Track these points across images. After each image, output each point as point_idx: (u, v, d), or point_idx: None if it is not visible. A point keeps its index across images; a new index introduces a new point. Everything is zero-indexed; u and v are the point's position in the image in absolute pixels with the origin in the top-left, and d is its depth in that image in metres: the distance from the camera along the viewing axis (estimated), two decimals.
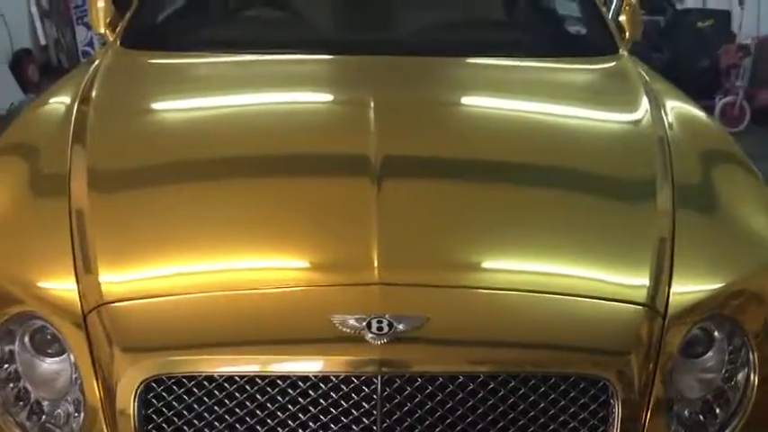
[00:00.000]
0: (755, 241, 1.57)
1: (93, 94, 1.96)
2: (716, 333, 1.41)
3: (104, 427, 1.27)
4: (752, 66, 5.81)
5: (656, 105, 1.96)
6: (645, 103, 1.96)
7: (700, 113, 2.11)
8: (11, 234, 1.52)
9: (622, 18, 2.68)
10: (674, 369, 1.36)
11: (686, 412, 1.37)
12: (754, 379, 1.40)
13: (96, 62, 2.25)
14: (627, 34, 2.64)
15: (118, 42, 2.38)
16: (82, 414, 1.30)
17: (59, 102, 2.00)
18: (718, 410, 1.39)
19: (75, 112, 1.86)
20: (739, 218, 1.65)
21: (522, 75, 2.31)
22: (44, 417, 1.35)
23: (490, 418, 1.23)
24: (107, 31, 2.53)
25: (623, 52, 2.43)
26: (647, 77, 2.22)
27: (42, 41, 6.59)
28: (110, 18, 2.55)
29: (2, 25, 5.86)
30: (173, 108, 2.07)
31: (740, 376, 1.40)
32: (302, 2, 2.73)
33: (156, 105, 2.08)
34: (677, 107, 2.04)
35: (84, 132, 1.74)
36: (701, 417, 1.38)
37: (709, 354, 1.41)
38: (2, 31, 5.87)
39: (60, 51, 6.63)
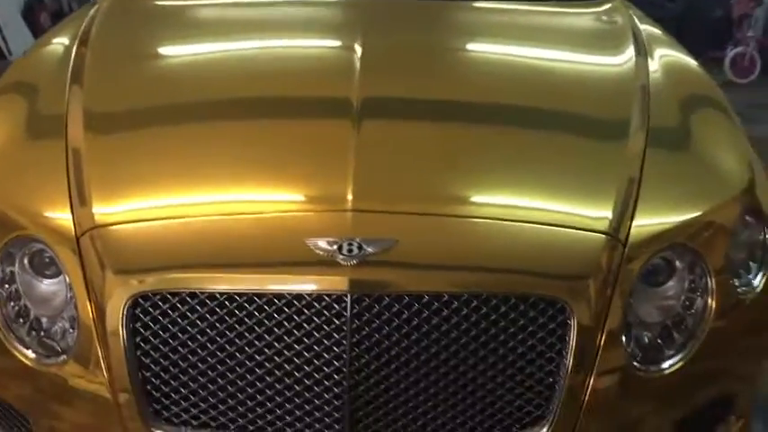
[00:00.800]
0: (721, 178, 1.63)
1: (92, 35, 2.03)
2: (677, 263, 1.47)
3: (96, 341, 1.37)
4: (765, 15, 5.74)
5: (643, 52, 1.99)
6: (631, 49, 1.99)
7: (686, 60, 2.13)
8: (11, 167, 1.61)
9: None
10: (635, 296, 1.43)
11: (645, 336, 1.45)
12: (712, 306, 1.47)
13: (97, 4, 2.31)
14: None
15: None
16: (76, 330, 1.40)
17: (59, 42, 2.06)
18: (676, 335, 1.47)
19: (74, 52, 1.93)
20: (709, 157, 1.70)
21: (512, 18, 2.35)
22: (42, 332, 1.46)
23: (453, 335, 1.31)
24: None
25: None
26: (638, 24, 2.24)
27: None
28: None
29: None
30: (166, 49, 2.13)
31: (699, 303, 1.47)
32: None
33: (150, 47, 2.13)
34: (664, 54, 2.06)
35: (82, 73, 1.81)
36: (658, 340, 1.46)
37: (670, 283, 1.48)
38: None
39: None
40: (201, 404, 1.34)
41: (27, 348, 1.45)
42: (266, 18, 2.30)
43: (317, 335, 1.30)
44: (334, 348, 1.29)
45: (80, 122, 1.62)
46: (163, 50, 2.11)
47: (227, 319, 1.31)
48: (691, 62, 2.13)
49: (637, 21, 2.25)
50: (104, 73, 1.87)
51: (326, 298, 1.29)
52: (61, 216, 1.45)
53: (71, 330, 1.42)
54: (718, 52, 5.63)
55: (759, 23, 5.55)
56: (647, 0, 6.38)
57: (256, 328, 1.31)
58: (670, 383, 1.44)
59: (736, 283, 1.53)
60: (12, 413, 1.57)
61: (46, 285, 1.46)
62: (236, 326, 1.31)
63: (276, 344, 1.31)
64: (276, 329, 1.30)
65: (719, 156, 1.71)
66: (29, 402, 1.50)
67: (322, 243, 1.31)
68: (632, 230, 1.44)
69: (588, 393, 1.36)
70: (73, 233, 1.41)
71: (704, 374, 1.49)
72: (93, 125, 1.62)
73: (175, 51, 2.11)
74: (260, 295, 1.30)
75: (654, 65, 1.95)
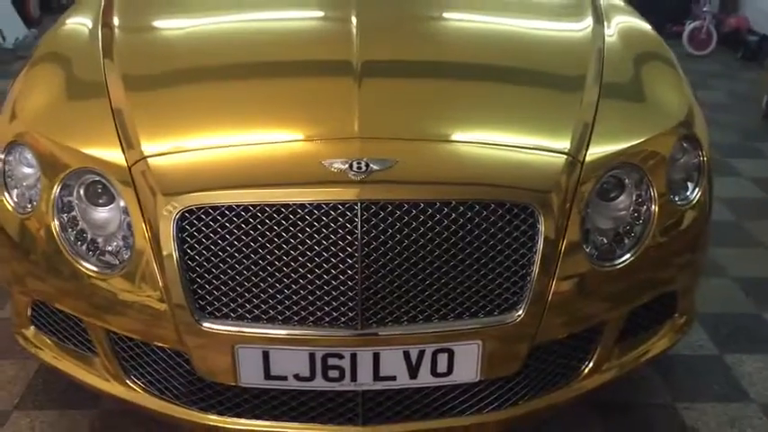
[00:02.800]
0: (662, 113, 1.95)
1: (115, 9, 2.29)
2: (626, 180, 1.79)
3: (151, 253, 1.64)
4: None
5: (601, 19, 2.31)
6: (590, 17, 2.31)
7: (639, 24, 2.44)
8: (61, 119, 1.89)
9: None
10: (592, 207, 1.74)
11: (601, 239, 1.76)
12: (655, 215, 1.79)
13: None
14: None
15: None
16: (131, 246, 1.67)
17: (81, 22, 2.32)
18: (626, 240, 1.79)
19: (100, 28, 2.19)
20: (653, 98, 2.02)
21: None
22: (99, 251, 1.74)
23: (444, 236, 1.60)
24: None
25: None
26: None
27: None
28: None
29: None
30: (186, 19, 2.39)
31: (644, 213, 1.79)
32: None
33: (170, 17, 2.41)
34: (620, 20, 2.37)
35: (111, 48, 2.08)
36: (612, 244, 1.78)
37: (621, 197, 1.80)
38: None
39: None
40: (239, 299, 1.62)
41: (88, 263, 1.72)
42: None
43: (333, 237, 1.58)
44: (348, 248, 1.58)
45: (120, 86, 1.89)
46: (180, 22, 2.38)
47: (259, 227, 1.59)
48: (643, 25, 2.44)
49: None
50: (133, 46, 2.14)
51: (340, 207, 1.58)
52: (113, 152, 1.72)
53: (125, 248, 1.70)
54: (678, 27, 5.98)
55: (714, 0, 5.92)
56: None
57: (283, 234, 1.59)
58: (621, 276, 1.76)
59: (676, 198, 1.86)
60: (71, 322, 1.85)
61: (99, 212, 1.74)
62: (267, 233, 1.59)
63: (300, 246, 1.59)
64: (299, 234, 1.59)
65: (662, 97, 2.03)
66: (86, 312, 1.77)
67: (336, 163, 1.60)
68: (588, 153, 1.75)
69: (554, 280, 1.67)
70: (125, 164, 1.69)
71: (649, 268, 1.80)
72: (131, 86, 1.89)
73: (190, 22, 2.38)
74: (285, 206, 1.58)
75: (610, 30, 2.26)
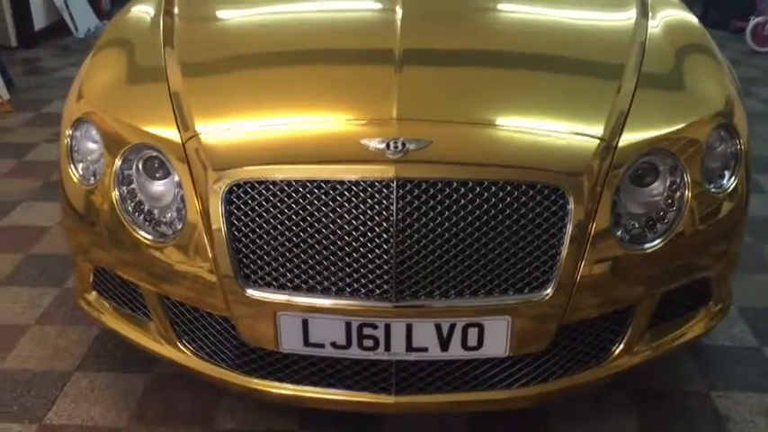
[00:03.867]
0: (700, 102, 1.97)
1: (175, 2, 2.43)
2: (660, 167, 1.83)
3: (201, 223, 1.76)
4: None
5: (644, 9, 2.33)
6: (633, 6, 2.34)
7: (684, 17, 2.44)
8: (123, 98, 2.03)
9: None
10: (624, 192, 1.78)
11: (632, 224, 1.80)
12: (688, 197, 1.82)
13: None
14: None
15: None
16: (184, 217, 1.79)
17: (147, 8, 2.47)
18: (658, 225, 1.82)
19: (162, 17, 2.33)
20: (692, 88, 2.04)
21: None
22: (155, 221, 1.87)
23: (476, 214, 1.67)
24: None
25: None
26: None
27: None
28: None
29: None
30: (239, 10, 2.52)
31: (678, 200, 1.82)
32: None
33: (225, 8, 2.53)
34: (665, 12, 2.39)
35: (171, 36, 2.21)
36: (644, 229, 1.81)
37: (655, 183, 1.83)
38: None
39: None
40: (281, 269, 1.72)
41: (145, 232, 1.86)
42: None
43: (370, 213, 1.67)
44: (384, 223, 1.66)
45: (178, 71, 2.01)
46: (233, 13, 2.50)
47: (301, 201, 1.69)
48: (688, 18, 2.45)
49: None
50: (190, 35, 2.27)
51: (377, 184, 1.66)
52: (170, 130, 1.85)
53: (178, 219, 1.83)
54: (743, 22, 5.86)
55: None
56: None
57: (323, 208, 1.69)
58: (651, 260, 1.80)
59: (711, 186, 1.88)
60: (129, 288, 1.99)
61: (156, 186, 1.87)
62: (308, 207, 1.69)
63: (338, 220, 1.68)
64: (338, 209, 1.68)
65: (700, 87, 2.05)
66: (143, 278, 1.91)
67: (374, 143, 1.69)
68: (622, 139, 1.79)
69: (583, 262, 1.72)
70: (180, 140, 1.82)
71: (682, 254, 1.83)
72: (188, 72, 2.01)
73: (243, 13, 2.50)
74: (326, 182, 1.68)
75: (654, 22, 2.28)
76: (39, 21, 5.86)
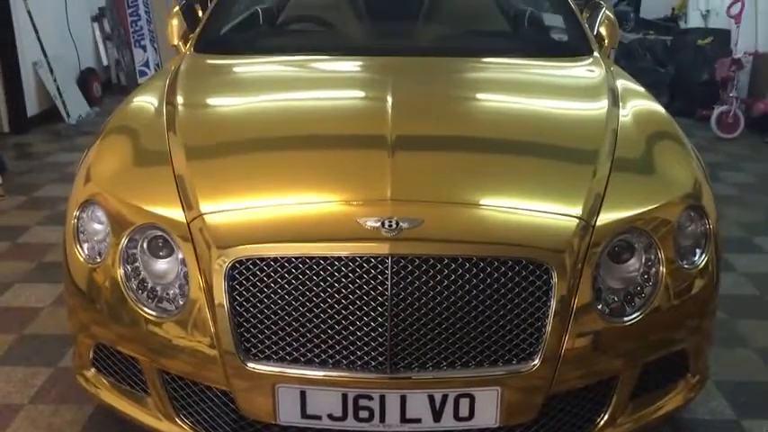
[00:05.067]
0: (670, 185, 2.12)
1: (177, 89, 2.58)
2: (636, 245, 1.95)
3: (204, 299, 1.84)
4: (750, 79, 6.30)
5: (615, 98, 2.52)
6: (605, 96, 2.53)
7: (652, 106, 2.63)
8: (129, 182, 2.13)
9: (602, 29, 3.26)
10: (603, 268, 1.90)
11: (612, 298, 1.92)
12: (663, 273, 1.94)
13: (173, 67, 2.89)
14: (606, 42, 3.22)
15: (192, 49, 3.03)
16: (187, 293, 1.87)
17: (148, 100, 2.61)
18: (636, 300, 1.94)
19: (164, 106, 2.47)
20: (662, 171, 2.19)
21: (513, 72, 2.91)
22: (157, 298, 1.94)
23: (466, 288, 1.77)
24: (180, 43, 3.20)
25: (596, 55, 3.00)
26: (613, 76, 2.78)
27: (104, 62, 7.28)
28: (182, 33, 3.22)
29: (72, 48, 6.57)
30: (238, 98, 2.68)
31: (653, 273, 1.94)
32: (337, 17, 3.38)
33: (224, 96, 2.70)
34: (634, 102, 2.58)
35: (174, 122, 2.33)
36: (623, 303, 1.92)
37: (632, 260, 1.96)
38: (71, 52, 6.58)
39: (120, 71, 7.32)
40: (280, 342, 1.80)
41: (148, 308, 1.93)
42: (316, 73, 2.87)
43: (366, 288, 1.77)
44: (379, 298, 1.76)
45: (181, 154, 2.13)
46: (232, 100, 2.66)
47: (300, 277, 1.78)
48: (656, 107, 2.63)
49: (612, 75, 2.78)
50: (192, 121, 2.41)
51: (373, 260, 1.77)
52: (175, 210, 1.95)
53: (181, 295, 1.91)
54: (707, 111, 6.17)
55: (741, 85, 6.10)
56: (641, 67, 7.02)
57: (321, 284, 1.78)
58: (631, 333, 1.90)
59: (684, 263, 2.00)
60: (128, 364, 2.04)
61: (160, 264, 1.96)
62: (307, 283, 1.78)
63: (336, 295, 1.78)
64: (336, 285, 1.78)
65: (670, 171, 2.20)
66: (144, 353, 1.97)
67: (369, 221, 1.81)
68: (599, 218, 1.92)
69: (567, 334, 1.82)
70: (184, 220, 1.92)
71: (659, 327, 1.94)
72: (191, 155, 2.13)
73: (242, 100, 2.66)
74: (324, 259, 1.78)
75: (625, 111, 2.46)
76: (32, 107, 6.03)
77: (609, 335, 1.88)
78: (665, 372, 2.07)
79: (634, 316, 1.91)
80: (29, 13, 5.82)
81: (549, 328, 1.80)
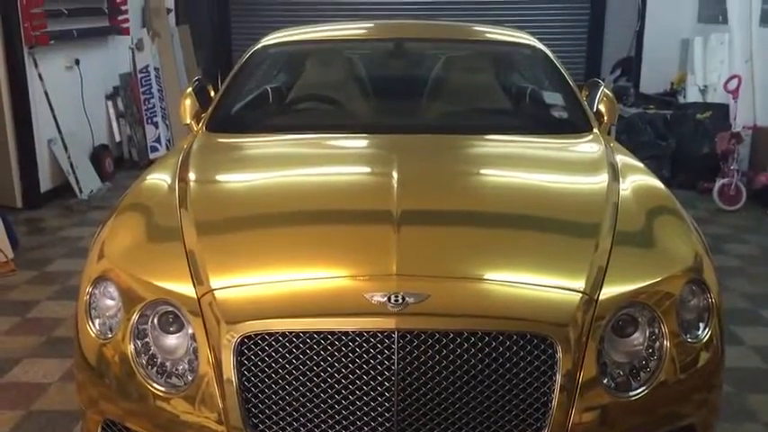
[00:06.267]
0: (671, 259, 2.15)
1: (190, 167, 2.66)
2: (639, 319, 1.98)
3: (213, 373, 1.87)
4: (750, 152, 6.40)
5: (615, 173, 2.59)
6: (605, 171, 2.59)
7: (650, 180, 2.69)
8: (142, 258, 2.17)
9: (601, 106, 3.36)
10: (608, 342, 1.92)
11: (618, 372, 1.93)
12: (668, 347, 1.96)
13: (186, 145, 2.98)
14: (605, 118, 3.32)
15: (204, 128, 3.14)
16: (196, 368, 1.90)
17: (161, 177, 2.69)
18: (641, 373, 1.95)
19: (177, 183, 2.54)
20: (663, 246, 2.23)
21: (515, 148, 2.99)
22: (167, 373, 1.97)
23: (471, 363, 1.80)
24: (192, 122, 3.31)
25: (596, 131, 3.09)
26: (612, 151, 2.85)
27: (117, 138, 7.46)
28: (194, 112, 3.33)
29: (86, 125, 6.74)
30: (248, 175, 2.76)
31: (657, 347, 1.96)
32: (344, 96, 3.50)
33: (235, 174, 2.78)
34: (633, 177, 2.64)
35: (186, 199, 2.40)
36: (628, 377, 1.94)
37: (636, 334, 1.98)
38: (86, 129, 6.74)
39: (132, 146, 7.49)
40: (288, 418, 1.82)
41: (157, 384, 1.95)
42: (323, 150, 2.96)
43: (373, 362, 1.79)
44: (386, 372, 1.78)
45: (192, 231, 2.18)
46: (242, 177, 2.74)
47: (309, 352, 1.81)
48: (655, 182, 2.69)
49: (612, 151, 2.85)
50: (204, 198, 2.48)
51: (380, 335, 1.80)
52: (186, 286, 1.99)
53: (190, 371, 1.93)
54: (709, 184, 6.25)
55: (742, 158, 6.19)
56: (642, 141, 7.13)
57: (329, 358, 1.81)
58: (637, 408, 1.91)
59: (688, 337, 2.02)
60: None
61: (170, 339, 1.99)
62: (314, 357, 1.81)
63: (343, 369, 1.80)
64: (343, 359, 1.80)
65: (671, 245, 2.24)
66: (152, 430, 1.97)
67: (376, 296, 1.84)
68: (602, 293, 1.95)
69: (573, 409, 1.83)
70: (195, 296, 1.96)
71: (664, 401, 1.94)
72: (202, 232, 2.18)
73: (252, 177, 2.73)
74: (331, 333, 1.81)
75: (624, 185, 2.52)
76: (45, 183, 6.14)
77: (615, 409, 1.89)
78: None
79: (640, 390, 1.92)
80: (45, 92, 6.00)
81: (555, 402, 1.81)
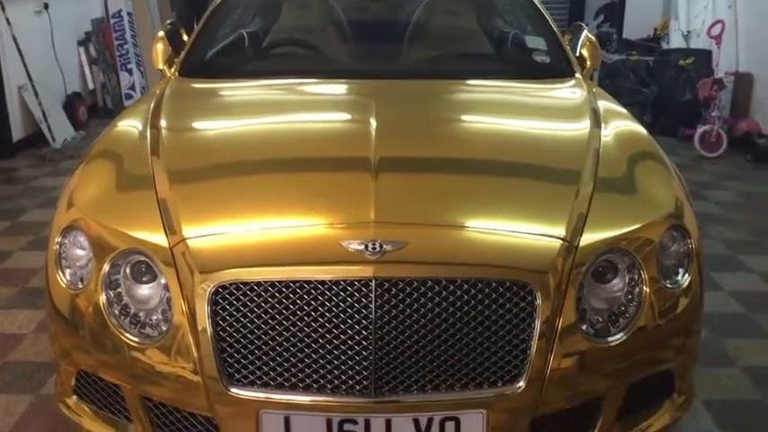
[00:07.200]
0: (652, 205, 2.13)
1: (162, 113, 2.58)
2: (619, 265, 1.96)
3: (187, 324, 1.83)
4: (732, 99, 6.37)
5: (597, 119, 2.54)
6: (587, 117, 2.55)
7: (633, 126, 2.65)
8: (113, 207, 2.11)
9: (584, 51, 3.29)
10: (587, 289, 1.90)
11: (597, 318, 1.92)
12: (647, 293, 1.94)
13: (158, 91, 2.89)
14: (588, 63, 3.26)
15: (177, 73, 3.04)
16: (170, 319, 1.86)
17: (132, 124, 2.61)
18: (620, 320, 1.94)
19: (149, 129, 2.47)
20: (644, 192, 2.20)
21: (496, 94, 2.93)
22: (140, 323, 1.92)
23: (450, 311, 1.77)
24: (165, 67, 3.21)
25: (579, 76, 3.03)
26: (595, 97, 2.80)
27: (90, 86, 7.28)
28: (167, 57, 3.22)
29: (57, 72, 6.56)
30: (222, 121, 2.68)
31: (636, 293, 1.95)
32: (321, 40, 3.40)
33: (209, 120, 2.70)
34: (615, 122, 2.60)
35: (158, 146, 2.33)
36: (607, 323, 1.92)
37: (615, 280, 1.96)
38: (57, 76, 6.57)
39: (106, 94, 7.31)
40: (264, 368, 1.79)
41: (130, 334, 1.91)
42: (300, 96, 2.88)
43: (350, 311, 1.76)
44: (363, 321, 1.75)
45: (165, 179, 2.12)
46: (216, 124, 2.66)
47: (284, 301, 1.77)
48: (637, 128, 2.65)
49: (594, 96, 2.80)
50: (176, 145, 2.41)
51: (357, 283, 1.76)
52: (158, 235, 1.94)
53: (164, 321, 1.89)
54: (691, 130, 6.23)
55: (724, 104, 6.17)
56: (627, 87, 7.07)
57: (305, 308, 1.77)
58: (616, 353, 1.90)
59: (667, 283, 2.01)
60: (110, 391, 2.02)
61: (143, 289, 1.94)
62: (290, 307, 1.77)
63: (320, 319, 1.77)
64: (320, 308, 1.77)
65: (652, 191, 2.21)
66: (126, 380, 1.94)
67: (353, 244, 1.80)
68: (582, 239, 1.93)
69: (552, 355, 1.82)
70: (167, 245, 1.91)
71: (643, 347, 1.94)
72: (174, 180, 2.12)
73: (227, 124, 2.66)
74: (307, 282, 1.77)
75: (606, 131, 2.48)
76: (17, 131, 6.00)
77: (594, 355, 1.88)
78: (651, 392, 2.07)
79: (618, 336, 1.91)
80: (13, 37, 5.81)
81: (533, 349, 1.80)
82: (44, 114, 6.03)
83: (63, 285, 2.04)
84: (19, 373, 2.83)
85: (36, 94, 6.02)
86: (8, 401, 2.64)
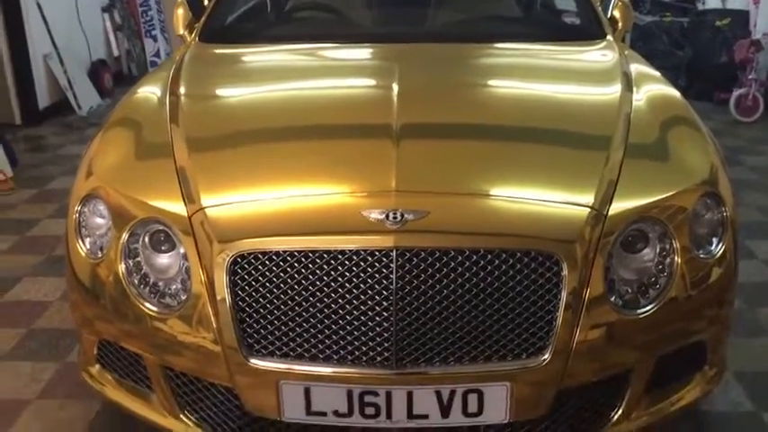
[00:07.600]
0: (685, 172, 2.05)
1: (181, 79, 2.54)
2: (650, 234, 1.89)
3: (206, 294, 1.80)
4: (766, 59, 6.15)
5: (628, 82, 2.45)
6: (618, 80, 2.45)
7: (666, 90, 2.56)
8: (131, 175, 2.09)
9: (616, 12, 3.18)
10: (616, 259, 1.84)
11: (626, 289, 1.85)
12: (678, 263, 1.87)
13: (178, 56, 2.85)
14: (620, 25, 3.14)
15: (197, 39, 2.99)
16: (189, 288, 1.84)
17: (152, 90, 2.57)
18: (650, 291, 1.87)
19: (168, 96, 2.43)
20: (677, 158, 2.12)
21: (524, 57, 2.84)
22: (160, 293, 1.91)
23: (473, 282, 1.72)
24: (185, 32, 3.16)
25: (610, 38, 2.92)
26: (626, 59, 2.70)
27: (115, 53, 7.26)
28: (187, 22, 3.17)
29: (82, 39, 6.55)
30: (242, 88, 2.63)
31: (668, 263, 1.88)
32: (344, 4, 3.32)
33: (229, 87, 2.65)
34: (648, 86, 2.50)
35: (177, 113, 2.29)
36: (637, 294, 1.86)
37: (646, 250, 1.89)
38: (82, 44, 6.56)
39: (131, 61, 7.30)
40: (283, 338, 1.76)
41: (150, 303, 1.90)
42: (322, 62, 2.82)
43: (370, 282, 1.72)
44: (384, 292, 1.71)
45: (184, 147, 2.09)
46: (236, 90, 2.61)
47: (303, 272, 1.74)
48: (670, 91, 2.56)
49: (626, 59, 2.70)
50: (196, 113, 2.36)
51: (377, 253, 1.72)
52: (176, 204, 1.91)
53: (183, 290, 1.87)
54: (726, 94, 6.05)
55: (761, 67, 5.96)
56: (660, 50, 6.87)
57: (325, 278, 1.73)
58: (645, 325, 1.84)
59: (700, 253, 1.94)
60: (132, 360, 2.01)
61: (162, 258, 1.92)
62: (310, 277, 1.74)
63: (340, 290, 1.73)
64: (340, 279, 1.73)
65: (685, 157, 2.13)
66: (147, 350, 1.94)
67: (374, 213, 1.76)
68: (612, 207, 1.86)
69: (579, 327, 1.76)
70: (186, 214, 1.88)
71: (674, 318, 1.88)
72: (193, 148, 2.09)
73: (246, 90, 2.61)
74: (327, 252, 1.73)
75: (639, 95, 2.38)
76: (43, 99, 6.01)
77: (622, 327, 1.82)
78: (681, 364, 2.01)
79: (648, 308, 1.85)
80: (38, 5, 5.79)
81: (559, 321, 1.75)
82: (69, 82, 6.04)
83: (83, 254, 2.02)
84: (45, 340, 2.85)
85: (61, 62, 6.02)
86: (34, 369, 2.66)
